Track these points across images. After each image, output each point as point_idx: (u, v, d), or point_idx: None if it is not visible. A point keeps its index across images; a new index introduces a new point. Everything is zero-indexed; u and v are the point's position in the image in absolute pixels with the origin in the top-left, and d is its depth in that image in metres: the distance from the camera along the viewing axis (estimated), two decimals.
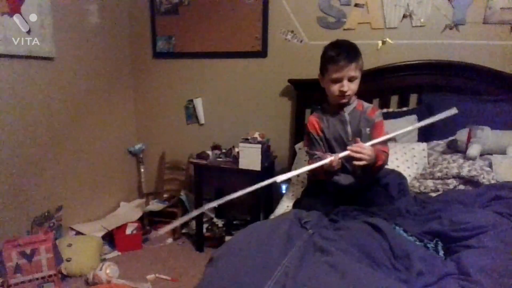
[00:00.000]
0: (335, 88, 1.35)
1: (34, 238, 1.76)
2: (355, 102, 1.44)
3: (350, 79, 1.33)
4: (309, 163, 1.49)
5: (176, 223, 0.74)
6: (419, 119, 1.97)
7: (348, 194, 1.41)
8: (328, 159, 1.23)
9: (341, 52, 1.32)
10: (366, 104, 1.45)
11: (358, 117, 1.41)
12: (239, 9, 2.33)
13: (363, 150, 1.21)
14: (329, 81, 1.37)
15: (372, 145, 1.29)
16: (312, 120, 1.48)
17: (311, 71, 2.15)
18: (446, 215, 1.17)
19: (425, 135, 1.97)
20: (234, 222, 2.45)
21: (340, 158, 1.25)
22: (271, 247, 0.94)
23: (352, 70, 1.32)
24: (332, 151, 1.43)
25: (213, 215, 2.49)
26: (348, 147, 1.23)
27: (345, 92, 1.33)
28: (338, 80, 1.34)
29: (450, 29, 1.97)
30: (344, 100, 1.38)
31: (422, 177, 1.69)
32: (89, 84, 2.30)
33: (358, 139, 1.26)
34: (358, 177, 1.41)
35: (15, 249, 1.67)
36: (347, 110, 1.42)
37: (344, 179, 1.42)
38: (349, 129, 1.41)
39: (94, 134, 2.38)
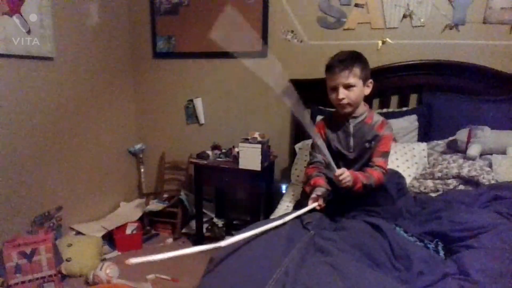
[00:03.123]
0: (333, 96, 1.35)
1: (34, 238, 1.76)
2: (364, 115, 1.40)
3: (347, 87, 1.31)
4: (308, 165, 1.51)
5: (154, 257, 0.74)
6: (419, 119, 1.98)
7: (347, 194, 1.41)
8: (314, 204, 1.26)
9: (336, 60, 1.33)
10: (376, 118, 1.40)
11: (364, 130, 1.38)
12: (239, 9, 2.31)
13: (343, 179, 1.22)
14: (329, 90, 1.37)
15: (370, 158, 1.36)
16: (319, 124, 1.50)
17: (311, 71, 2.16)
18: (446, 216, 1.17)
19: (425, 135, 1.97)
20: (234, 222, 2.45)
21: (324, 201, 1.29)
22: (272, 248, 0.94)
23: (345, 78, 1.30)
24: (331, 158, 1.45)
25: (213, 215, 2.49)
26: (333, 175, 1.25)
27: (341, 100, 1.32)
28: (335, 88, 1.34)
29: (450, 29, 1.97)
30: (346, 110, 1.36)
31: (422, 177, 1.69)
32: (89, 84, 2.29)
33: (341, 171, 1.24)
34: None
35: (15, 249, 1.67)
36: (353, 122, 1.40)
37: None
38: (351, 141, 1.40)
39: (94, 134, 2.38)
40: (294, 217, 1.14)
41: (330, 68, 1.34)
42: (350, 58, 1.32)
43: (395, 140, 1.94)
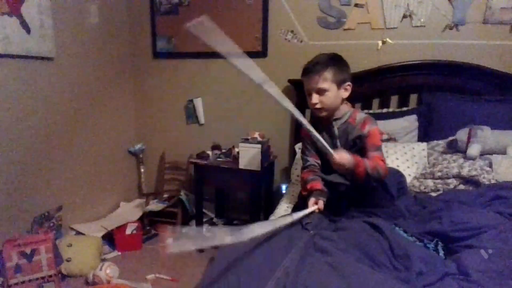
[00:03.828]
0: (308, 101, 1.34)
1: (34, 238, 1.76)
2: (347, 115, 1.36)
3: (319, 92, 1.29)
4: (302, 170, 1.51)
5: None
6: (419, 119, 1.98)
7: (346, 194, 1.41)
8: (314, 207, 1.25)
9: (309, 64, 1.31)
10: (359, 117, 1.35)
11: (349, 131, 1.35)
12: (239, 9, 2.33)
13: (341, 161, 1.19)
14: (306, 94, 1.36)
15: (365, 152, 1.30)
16: (305, 128, 1.49)
17: None
18: (446, 215, 1.17)
19: (425, 135, 1.97)
20: (234, 222, 2.46)
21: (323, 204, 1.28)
22: (272, 248, 0.94)
23: (316, 82, 1.28)
24: (323, 159, 1.44)
25: (213, 215, 2.49)
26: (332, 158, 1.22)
27: (314, 104, 1.31)
28: (309, 93, 1.32)
29: (450, 29, 1.97)
30: (321, 114, 1.34)
31: (422, 176, 1.69)
32: (89, 84, 2.29)
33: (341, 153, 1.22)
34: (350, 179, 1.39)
35: (15, 249, 1.67)
36: (337, 124, 1.37)
37: (334, 177, 1.41)
38: (338, 143, 1.38)
39: (94, 134, 2.38)
40: (296, 220, 1.13)
41: (303, 72, 1.33)
42: (322, 62, 1.29)
43: (395, 139, 1.94)
